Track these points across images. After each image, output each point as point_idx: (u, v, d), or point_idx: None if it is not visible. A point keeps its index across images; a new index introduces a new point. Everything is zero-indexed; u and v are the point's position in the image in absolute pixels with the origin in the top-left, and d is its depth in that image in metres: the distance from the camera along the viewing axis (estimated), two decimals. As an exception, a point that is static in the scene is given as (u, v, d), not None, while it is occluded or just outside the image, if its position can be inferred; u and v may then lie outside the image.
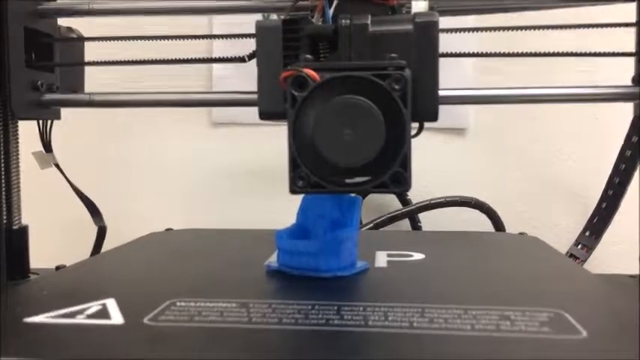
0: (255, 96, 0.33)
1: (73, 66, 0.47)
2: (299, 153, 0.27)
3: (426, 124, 0.60)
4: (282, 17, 0.32)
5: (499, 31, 0.38)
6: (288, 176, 0.28)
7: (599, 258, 0.58)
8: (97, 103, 0.43)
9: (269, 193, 0.62)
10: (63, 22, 0.46)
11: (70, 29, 0.46)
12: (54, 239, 0.61)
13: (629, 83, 0.39)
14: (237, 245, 0.43)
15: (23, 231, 0.42)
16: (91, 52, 0.47)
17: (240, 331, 0.23)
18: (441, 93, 0.39)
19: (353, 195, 0.34)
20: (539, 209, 0.61)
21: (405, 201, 0.59)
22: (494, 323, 0.23)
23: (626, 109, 0.44)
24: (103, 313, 0.25)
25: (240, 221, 0.63)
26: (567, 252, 0.55)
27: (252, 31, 0.33)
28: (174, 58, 0.41)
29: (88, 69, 0.48)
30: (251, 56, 0.37)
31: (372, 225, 0.55)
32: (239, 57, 0.40)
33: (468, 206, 0.57)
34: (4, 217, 0.41)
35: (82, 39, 0.47)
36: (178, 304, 0.26)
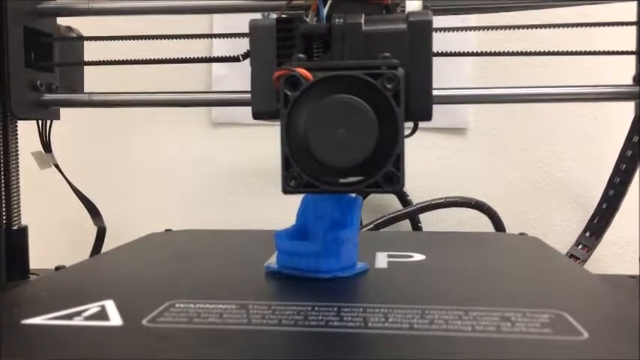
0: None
1: (73, 66, 0.47)
2: (291, 153, 0.27)
3: (427, 124, 0.60)
4: (276, 16, 0.32)
5: (498, 30, 0.38)
6: (281, 176, 0.28)
7: (599, 258, 0.58)
8: (97, 103, 0.43)
9: (269, 194, 0.62)
10: (62, 21, 0.46)
11: (69, 28, 0.46)
12: (54, 239, 0.61)
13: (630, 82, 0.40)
14: (237, 246, 0.43)
15: (23, 231, 0.42)
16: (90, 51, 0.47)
17: (239, 332, 0.23)
18: (441, 92, 0.39)
19: (353, 195, 0.33)
20: (539, 209, 0.61)
21: (405, 201, 0.59)
22: (494, 324, 0.23)
23: (627, 109, 0.44)
24: (102, 314, 0.25)
25: (240, 222, 0.63)
26: (568, 252, 0.55)
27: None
28: (171, 57, 0.41)
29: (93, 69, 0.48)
30: (246, 55, 0.37)
31: (372, 226, 0.55)
32: (234, 56, 0.39)
33: (468, 207, 0.57)
34: (4, 218, 0.41)
35: (81, 38, 0.47)
36: (177, 305, 0.26)
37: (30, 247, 0.43)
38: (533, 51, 0.39)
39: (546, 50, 0.39)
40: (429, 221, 0.60)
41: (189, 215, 0.63)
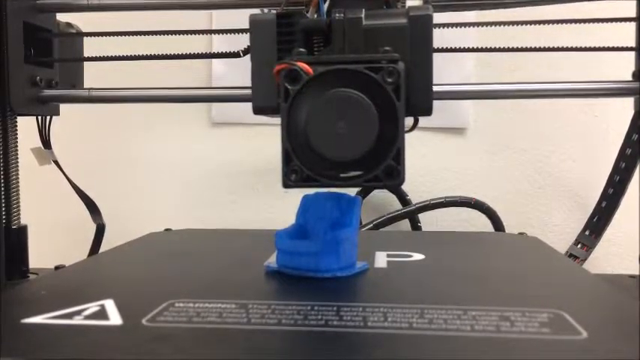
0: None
1: (72, 62, 0.47)
2: (292, 147, 0.27)
3: (427, 124, 0.60)
4: (276, 11, 0.32)
5: (498, 26, 0.38)
6: (282, 170, 0.28)
7: (599, 258, 0.58)
8: (96, 99, 0.43)
9: (268, 194, 0.62)
10: (62, 17, 0.46)
11: (69, 25, 0.46)
12: (54, 239, 0.61)
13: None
14: (237, 246, 0.43)
15: (22, 231, 0.42)
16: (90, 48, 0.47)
17: (238, 332, 0.23)
18: (440, 88, 0.39)
19: (353, 195, 0.33)
20: (538, 209, 0.61)
21: (404, 201, 0.59)
22: (494, 324, 0.23)
23: (626, 109, 0.44)
24: (102, 313, 0.25)
25: (239, 221, 0.63)
26: (567, 251, 0.55)
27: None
28: (170, 53, 0.41)
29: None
30: (246, 51, 0.37)
31: (371, 225, 0.55)
32: (234, 52, 0.39)
33: (468, 206, 0.57)
34: (4, 217, 0.41)
35: (80, 34, 0.47)
36: (177, 304, 0.26)
37: (30, 247, 0.43)
38: (533, 47, 0.39)
39: (546, 47, 0.39)
40: (429, 221, 0.60)
41: (188, 215, 0.63)
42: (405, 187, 0.59)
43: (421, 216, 0.58)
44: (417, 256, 0.37)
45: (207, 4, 0.44)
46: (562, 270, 0.35)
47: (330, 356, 0.21)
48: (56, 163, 0.47)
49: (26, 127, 0.44)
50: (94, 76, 0.48)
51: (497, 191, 0.60)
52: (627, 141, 0.50)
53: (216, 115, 0.63)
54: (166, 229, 0.49)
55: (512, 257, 0.39)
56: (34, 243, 0.44)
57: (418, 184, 0.61)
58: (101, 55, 0.43)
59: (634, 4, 0.39)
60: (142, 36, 0.41)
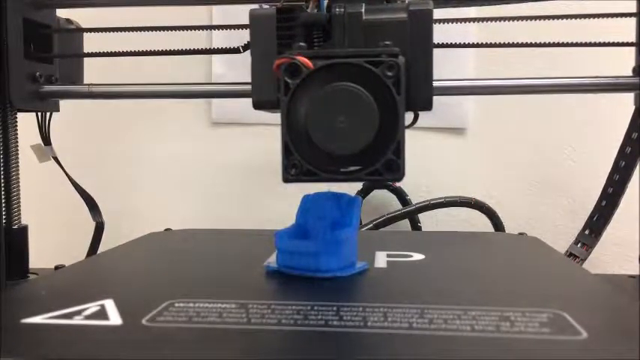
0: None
1: (72, 57, 0.47)
2: (292, 141, 0.27)
3: (427, 124, 0.60)
4: (277, 6, 0.32)
5: (499, 21, 0.39)
6: (281, 164, 0.28)
7: (599, 258, 0.58)
8: (96, 95, 0.43)
9: (268, 194, 0.62)
10: (61, 13, 0.46)
11: (68, 21, 0.46)
12: (53, 239, 0.61)
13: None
14: (236, 246, 0.43)
15: (22, 231, 0.42)
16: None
17: (238, 332, 0.23)
18: (441, 84, 0.39)
19: (353, 195, 0.33)
20: (538, 209, 0.61)
21: (404, 201, 0.59)
22: (494, 324, 0.23)
23: (626, 109, 0.44)
24: (101, 313, 0.25)
25: (239, 221, 0.63)
26: (567, 251, 0.55)
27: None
28: (170, 49, 0.41)
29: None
30: (246, 47, 0.37)
31: (371, 225, 0.55)
32: (234, 48, 0.39)
33: (468, 206, 0.57)
34: (4, 217, 0.41)
35: (80, 30, 0.47)
36: (177, 304, 0.26)
37: (30, 247, 0.43)
38: (533, 42, 0.39)
39: (546, 42, 0.39)
40: (429, 221, 0.60)
41: (188, 214, 0.63)
42: (405, 187, 0.59)
43: (421, 217, 0.59)
44: (417, 256, 0.37)
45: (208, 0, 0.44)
46: (562, 270, 0.35)
47: (330, 356, 0.21)
48: (56, 159, 0.47)
49: (24, 126, 0.44)
50: (92, 77, 0.48)
51: (497, 191, 0.61)
52: (627, 139, 0.49)
53: (216, 115, 0.63)
54: (166, 229, 0.49)
55: (512, 257, 0.39)
56: (34, 243, 0.44)
57: (418, 184, 0.61)
58: (101, 51, 0.43)
59: (633, 3, 0.39)
60: (142, 33, 0.41)
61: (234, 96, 0.42)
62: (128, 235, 0.44)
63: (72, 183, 0.48)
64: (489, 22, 0.39)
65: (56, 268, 0.40)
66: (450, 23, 0.38)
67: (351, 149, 0.27)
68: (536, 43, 0.39)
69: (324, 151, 0.27)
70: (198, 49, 0.42)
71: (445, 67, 0.56)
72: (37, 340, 0.22)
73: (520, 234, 0.49)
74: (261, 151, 0.63)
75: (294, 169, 0.27)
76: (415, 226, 0.58)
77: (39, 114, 0.46)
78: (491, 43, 0.40)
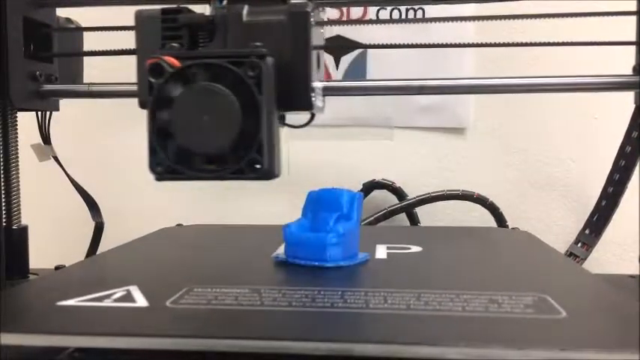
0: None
1: (72, 56, 0.47)
2: (158, 139, 0.28)
3: (427, 124, 0.62)
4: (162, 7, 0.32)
5: (496, 20, 0.38)
6: (148, 162, 0.28)
7: (599, 258, 0.58)
8: (96, 94, 0.43)
9: (268, 194, 0.63)
10: (61, 12, 0.46)
11: (68, 20, 0.46)
12: (53, 239, 0.62)
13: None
14: (246, 239, 0.45)
15: (22, 231, 0.43)
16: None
17: (254, 312, 0.25)
18: (442, 82, 0.40)
19: (356, 192, 0.36)
20: (538, 209, 0.62)
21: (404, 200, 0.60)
22: (483, 305, 0.26)
23: (626, 109, 0.44)
24: (128, 297, 0.27)
25: (239, 221, 0.63)
26: (567, 250, 0.56)
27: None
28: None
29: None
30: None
31: (372, 218, 0.57)
32: None
33: (470, 200, 0.57)
34: (4, 217, 0.41)
35: (80, 29, 0.47)
36: (196, 290, 0.28)
37: (30, 247, 0.43)
38: (532, 42, 0.39)
39: (546, 41, 0.39)
40: (429, 220, 0.61)
41: (188, 214, 0.62)
42: (404, 187, 0.60)
43: (421, 215, 0.59)
44: (415, 249, 0.39)
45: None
46: (549, 260, 0.38)
47: (336, 333, 0.23)
48: (55, 158, 0.47)
49: (24, 126, 0.44)
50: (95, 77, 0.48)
51: (497, 191, 0.60)
52: (627, 138, 0.49)
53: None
54: (178, 224, 0.52)
55: (504, 249, 0.42)
56: (34, 243, 0.44)
57: (418, 184, 0.61)
58: (101, 50, 0.42)
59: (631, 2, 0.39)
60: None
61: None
62: (128, 235, 0.44)
63: (72, 183, 0.49)
64: (488, 20, 0.39)
65: (56, 268, 0.41)
66: (448, 22, 0.39)
67: (215, 148, 0.27)
68: (536, 43, 0.39)
69: (189, 150, 0.27)
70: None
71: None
72: (74, 318, 0.25)
73: (512, 229, 0.52)
74: None
75: (159, 167, 0.28)
76: (414, 223, 0.60)
77: (39, 113, 0.46)
78: (491, 43, 0.40)
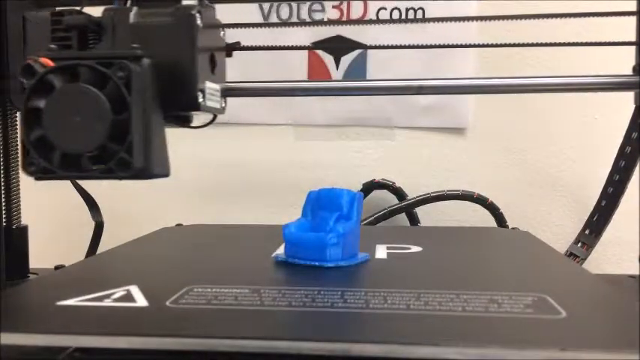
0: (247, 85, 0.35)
1: None
2: (30, 139, 0.28)
3: (427, 124, 0.62)
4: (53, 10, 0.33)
5: (497, 20, 0.38)
6: (20, 162, 0.29)
7: (599, 258, 0.58)
8: None
9: (268, 193, 0.63)
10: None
11: None
12: (53, 239, 0.62)
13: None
14: (246, 239, 0.45)
15: (22, 231, 0.43)
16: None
17: (254, 312, 0.25)
18: (442, 82, 0.39)
19: (355, 192, 0.36)
20: (538, 209, 0.62)
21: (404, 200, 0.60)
22: (483, 305, 0.26)
23: (626, 109, 0.44)
24: (128, 297, 0.28)
25: (239, 221, 0.64)
26: (567, 250, 0.56)
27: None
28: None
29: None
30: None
31: (372, 218, 0.57)
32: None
33: (470, 200, 0.57)
34: (4, 217, 0.41)
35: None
36: (196, 289, 0.28)
37: (30, 246, 0.43)
38: (531, 42, 0.39)
39: (545, 42, 0.39)
40: (429, 220, 0.61)
41: (188, 214, 0.62)
42: (405, 187, 0.60)
43: (421, 216, 0.60)
44: (415, 249, 0.39)
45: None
46: (549, 260, 0.38)
47: (336, 332, 0.23)
48: None
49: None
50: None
51: (497, 191, 0.60)
52: (627, 139, 0.49)
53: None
54: (178, 224, 0.52)
55: (504, 249, 0.42)
56: (34, 243, 0.44)
57: (418, 184, 0.61)
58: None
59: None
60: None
61: (232, 95, 0.43)
62: (128, 235, 0.45)
63: (72, 183, 0.49)
64: (489, 20, 0.39)
65: (56, 268, 0.41)
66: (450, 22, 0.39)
67: (86, 148, 0.27)
68: (536, 43, 0.39)
69: (61, 150, 0.28)
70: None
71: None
72: (74, 318, 0.25)
73: (512, 229, 0.52)
74: (260, 151, 0.64)
75: (32, 167, 0.28)
76: (414, 223, 0.60)
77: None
78: (491, 43, 0.40)
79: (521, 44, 0.40)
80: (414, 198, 0.58)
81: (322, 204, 0.36)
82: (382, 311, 0.25)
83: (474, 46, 0.40)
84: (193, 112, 0.34)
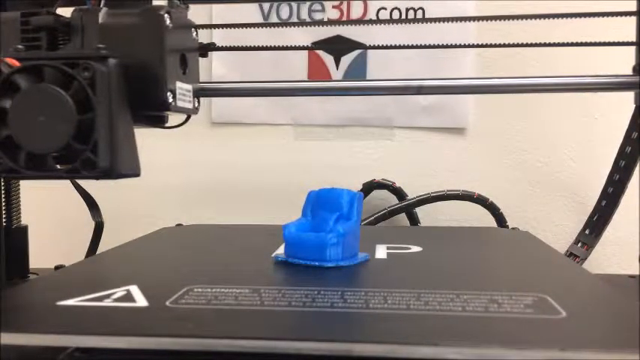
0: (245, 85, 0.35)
1: None
2: None
3: (427, 124, 0.62)
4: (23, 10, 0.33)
5: (497, 20, 0.39)
6: None
7: (599, 258, 0.58)
8: None
9: (268, 193, 0.63)
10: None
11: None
12: (53, 239, 0.62)
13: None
14: (245, 239, 0.45)
15: (22, 231, 0.43)
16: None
17: (254, 312, 0.25)
18: (442, 82, 0.40)
19: (355, 192, 0.36)
20: (538, 209, 0.62)
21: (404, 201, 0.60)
22: (483, 305, 0.26)
23: (626, 109, 0.44)
24: (128, 297, 0.27)
25: (239, 221, 0.64)
26: (567, 250, 0.56)
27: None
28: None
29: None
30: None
31: (372, 218, 0.57)
32: None
33: (470, 200, 0.57)
34: (4, 217, 0.41)
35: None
36: (196, 289, 0.28)
37: (30, 246, 0.44)
38: (530, 43, 0.39)
39: (545, 42, 0.39)
40: (429, 220, 0.61)
41: (188, 214, 0.63)
42: (405, 187, 0.60)
43: (421, 216, 0.59)
44: (415, 249, 0.39)
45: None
46: (549, 260, 0.38)
47: (336, 332, 0.23)
48: None
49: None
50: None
51: (497, 191, 0.60)
52: (627, 139, 0.49)
53: (216, 115, 0.65)
54: (178, 225, 0.52)
55: (504, 249, 0.42)
56: (34, 243, 0.44)
57: (418, 184, 0.61)
58: None
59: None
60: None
61: (231, 94, 0.43)
62: (127, 235, 0.44)
63: (72, 183, 0.49)
64: (488, 21, 0.39)
65: (56, 268, 0.41)
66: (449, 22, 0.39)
67: (51, 148, 0.27)
68: (536, 43, 0.39)
69: (27, 150, 0.28)
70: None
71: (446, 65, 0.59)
72: (74, 318, 0.25)
73: (512, 229, 0.52)
74: (259, 151, 0.64)
75: None
76: (414, 223, 0.60)
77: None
78: (491, 43, 0.40)
79: (521, 44, 0.40)
80: (414, 198, 0.58)
81: (322, 204, 0.36)
82: (382, 311, 0.25)
83: (474, 46, 0.41)
84: (167, 112, 0.34)
